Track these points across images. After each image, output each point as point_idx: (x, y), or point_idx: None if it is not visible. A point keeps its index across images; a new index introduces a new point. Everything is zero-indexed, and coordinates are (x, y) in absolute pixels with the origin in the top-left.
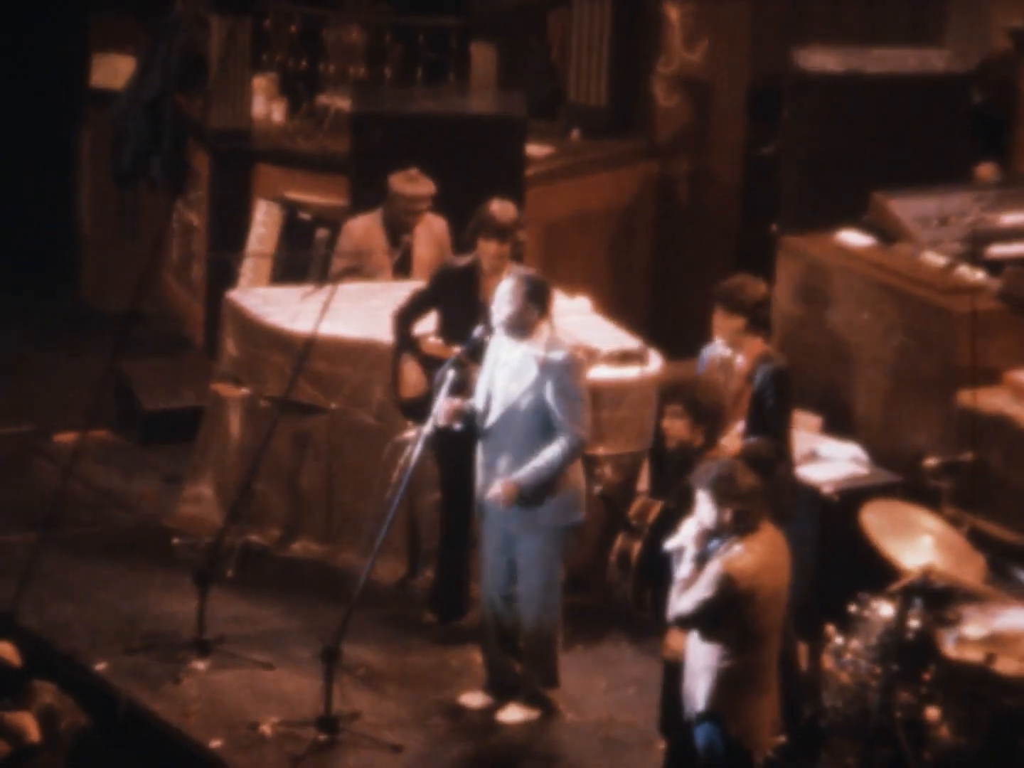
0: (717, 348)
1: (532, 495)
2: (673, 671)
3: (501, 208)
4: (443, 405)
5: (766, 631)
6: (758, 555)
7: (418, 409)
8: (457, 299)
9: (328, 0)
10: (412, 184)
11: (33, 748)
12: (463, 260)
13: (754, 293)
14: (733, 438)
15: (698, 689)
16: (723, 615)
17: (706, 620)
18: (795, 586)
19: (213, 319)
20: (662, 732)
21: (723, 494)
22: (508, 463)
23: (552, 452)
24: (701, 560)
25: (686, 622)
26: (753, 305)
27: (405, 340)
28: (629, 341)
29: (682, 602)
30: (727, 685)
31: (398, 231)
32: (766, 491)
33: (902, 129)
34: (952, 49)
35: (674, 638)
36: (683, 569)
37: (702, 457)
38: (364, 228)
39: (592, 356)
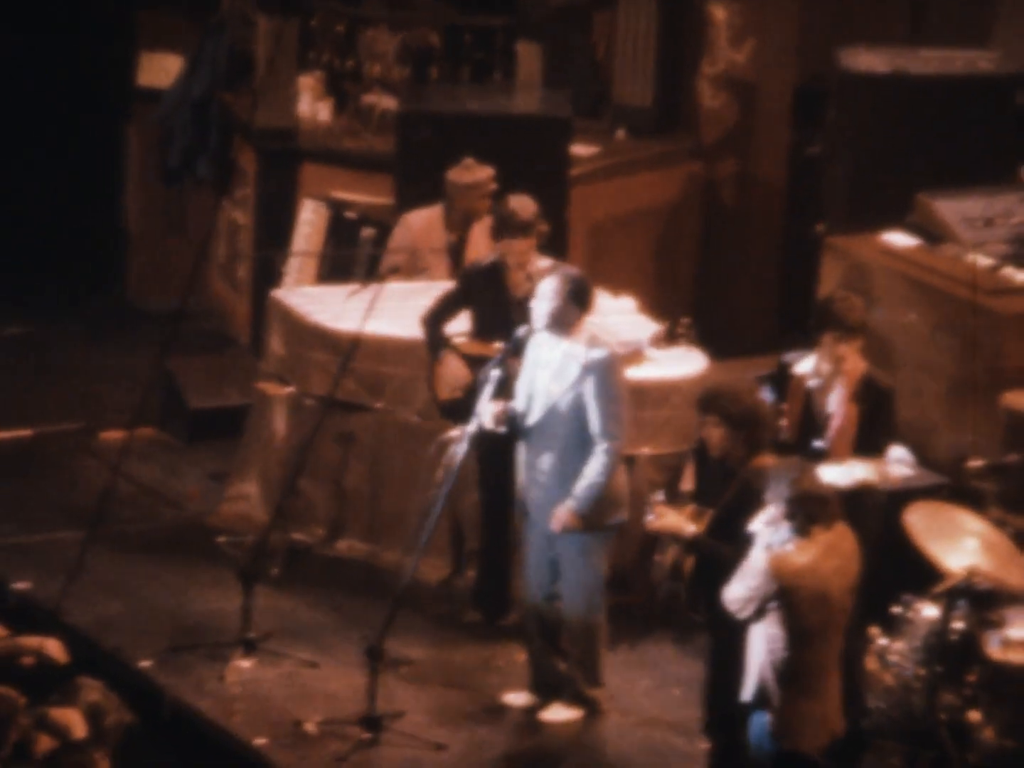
0: (807, 363)
1: (590, 512)
2: (721, 669)
3: (520, 204)
4: (489, 407)
5: (812, 633)
6: (806, 556)
7: (457, 409)
8: (487, 298)
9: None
10: (470, 173)
11: (79, 744)
12: (487, 258)
13: (863, 309)
14: (857, 464)
15: (750, 676)
16: (763, 606)
17: (751, 604)
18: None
19: (259, 318)
20: (706, 732)
21: (778, 495)
22: (551, 463)
23: (595, 467)
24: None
25: (733, 603)
26: (865, 322)
27: (438, 341)
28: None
29: (733, 588)
30: (774, 675)
31: (459, 225)
32: (829, 500)
33: (948, 130)
34: (998, 50)
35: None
36: (753, 555)
37: (744, 466)
38: (423, 222)
39: (637, 353)
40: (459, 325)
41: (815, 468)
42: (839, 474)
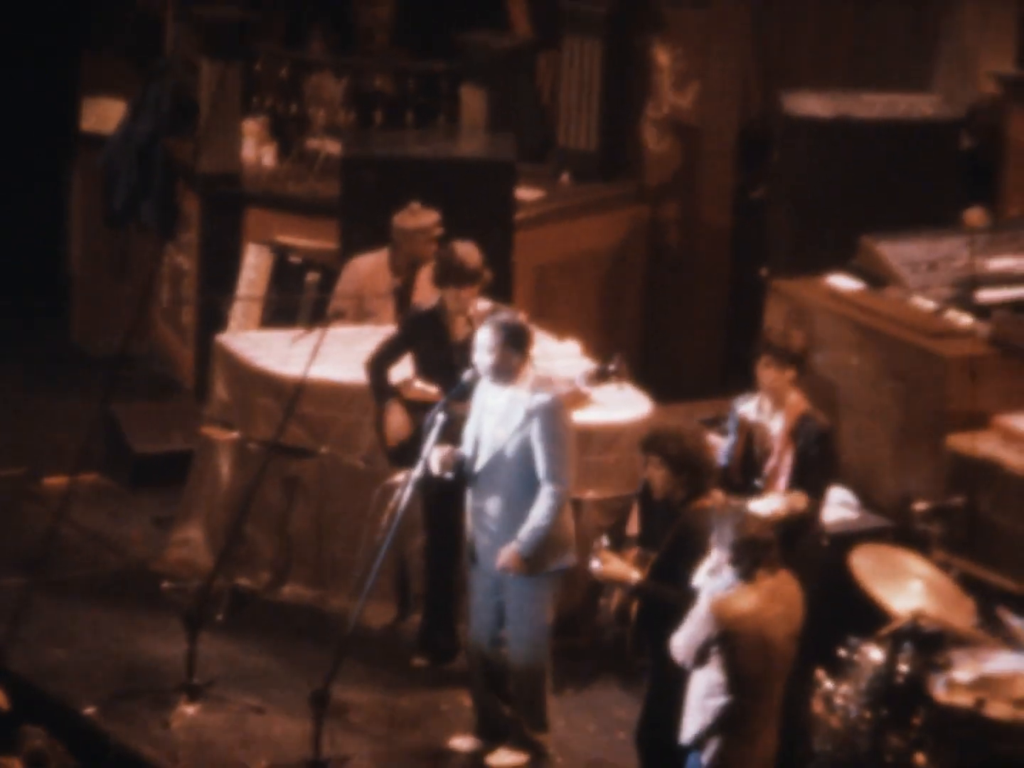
0: (750, 406)
1: (534, 554)
2: (652, 708)
3: (466, 252)
4: (435, 453)
5: (751, 679)
6: (748, 601)
7: (405, 455)
8: (429, 342)
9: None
10: (415, 218)
11: None
12: (428, 303)
13: (801, 341)
14: (775, 496)
15: (690, 719)
16: (705, 651)
17: (692, 654)
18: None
19: (203, 362)
20: (637, 745)
21: (722, 540)
22: (498, 508)
23: (541, 510)
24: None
25: (678, 652)
26: (802, 354)
27: (383, 387)
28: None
29: (677, 637)
30: (712, 722)
31: (405, 270)
32: (773, 544)
33: (891, 174)
34: (940, 94)
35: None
36: (695, 608)
37: (685, 508)
38: (370, 266)
39: (580, 396)
40: (402, 369)
41: (756, 514)
42: (759, 506)
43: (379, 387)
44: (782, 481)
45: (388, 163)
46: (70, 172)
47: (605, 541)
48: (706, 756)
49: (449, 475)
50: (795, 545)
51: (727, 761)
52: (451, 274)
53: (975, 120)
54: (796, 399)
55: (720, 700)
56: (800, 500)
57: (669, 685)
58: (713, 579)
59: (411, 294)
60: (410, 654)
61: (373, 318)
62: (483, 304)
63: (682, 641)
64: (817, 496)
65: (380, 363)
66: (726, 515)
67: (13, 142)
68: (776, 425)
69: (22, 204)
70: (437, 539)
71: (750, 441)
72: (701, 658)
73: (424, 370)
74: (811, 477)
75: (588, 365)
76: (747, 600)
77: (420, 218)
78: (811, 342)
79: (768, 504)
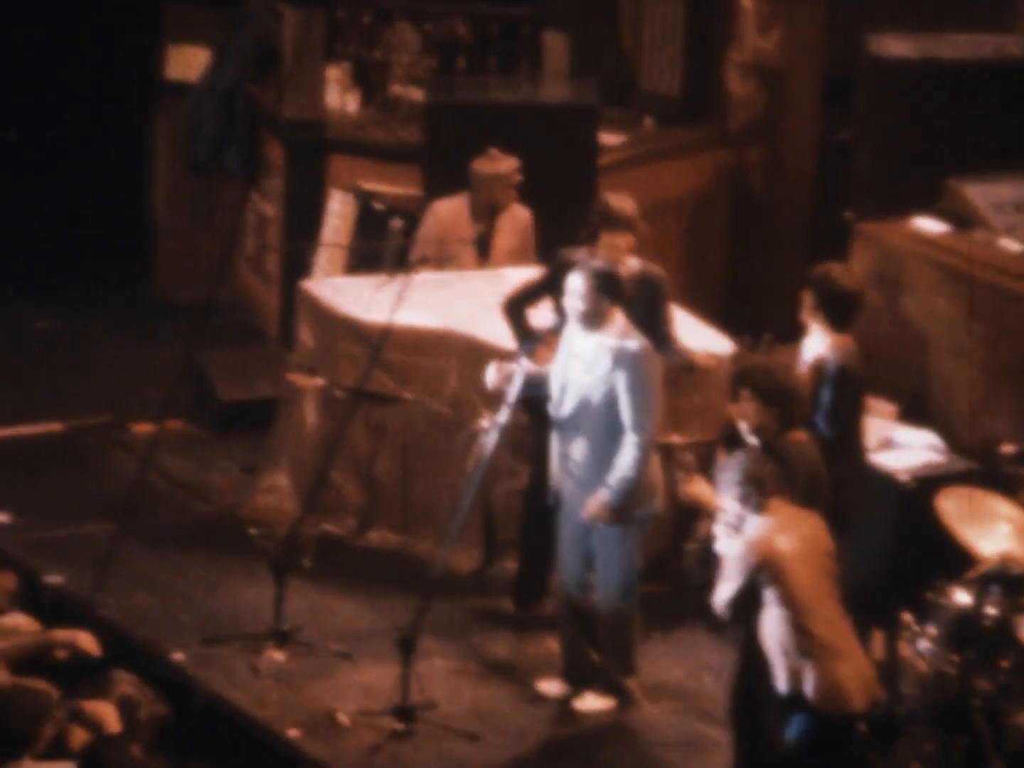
0: (814, 338)
1: (622, 504)
2: (746, 657)
3: (621, 200)
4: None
5: (809, 597)
6: (771, 526)
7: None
8: None
9: None
10: (493, 163)
11: (113, 738)
12: (578, 255)
13: (848, 283)
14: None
15: (776, 665)
16: (756, 593)
17: (740, 598)
18: (871, 573)
19: (288, 309)
20: (730, 718)
21: (729, 481)
22: (583, 454)
23: (627, 460)
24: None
25: (728, 606)
26: (849, 298)
27: (520, 329)
28: (706, 334)
29: (718, 594)
30: (795, 660)
31: (484, 216)
32: (782, 476)
33: (977, 115)
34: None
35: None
36: (725, 563)
37: (778, 441)
38: (451, 210)
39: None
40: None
41: (756, 449)
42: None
43: (517, 329)
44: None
45: (470, 109)
46: (154, 121)
47: (692, 457)
48: (808, 687)
49: (507, 388)
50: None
51: (828, 681)
52: (607, 220)
53: None
54: (844, 337)
55: (795, 629)
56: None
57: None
58: (735, 534)
59: (492, 240)
60: (498, 599)
61: (455, 263)
62: (634, 262)
63: (726, 593)
64: (833, 432)
65: (518, 305)
66: (728, 463)
67: (99, 91)
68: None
69: (107, 153)
70: (538, 480)
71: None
72: (754, 602)
73: (562, 318)
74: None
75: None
76: (775, 528)
77: (498, 164)
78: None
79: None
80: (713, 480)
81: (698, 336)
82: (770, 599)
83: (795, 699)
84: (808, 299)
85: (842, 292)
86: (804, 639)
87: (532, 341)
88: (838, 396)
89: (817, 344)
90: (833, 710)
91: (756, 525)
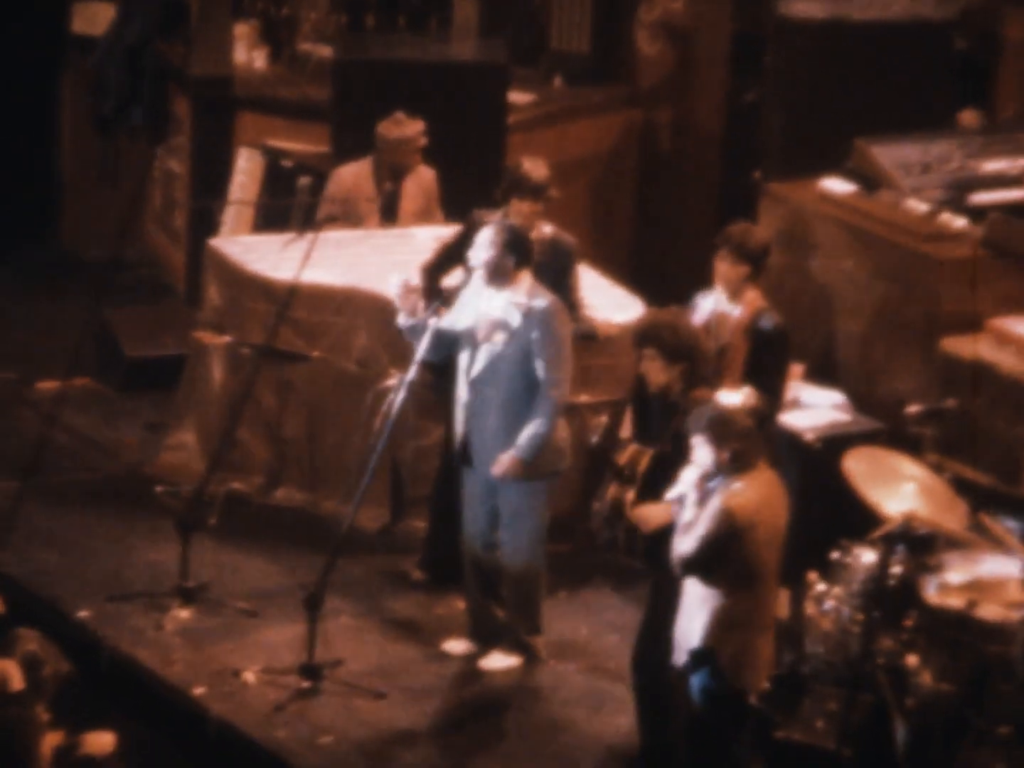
0: (712, 297)
1: (533, 460)
2: (658, 612)
3: (533, 166)
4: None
5: (764, 569)
6: (757, 491)
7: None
8: None
9: None
10: (399, 127)
11: (16, 695)
12: (492, 215)
13: (761, 240)
14: (731, 392)
15: (693, 629)
16: (724, 551)
17: (709, 556)
18: None
19: (195, 267)
20: (634, 669)
21: (720, 435)
22: (494, 411)
23: (541, 416)
24: (701, 502)
25: (690, 562)
26: (760, 253)
27: (435, 293)
28: (615, 294)
29: (684, 543)
30: (724, 623)
31: (389, 178)
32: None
33: (885, 75)
34: None
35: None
36: (686, 514)
37: (685, 398)
38: (353, 175)
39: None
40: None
41: (736, 404)
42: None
43: (431, 293)
44: (736, 376)
45: (379, 67)
46: (60, 75)
47: (604, 419)
48: (725, 654)
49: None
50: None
51: (748, 655)
52: (515, 186)
53: (969, 21)
54: (753, 295)
55: (735, 595)
56: (752, 395)
57: (668, 589)
58: (705, 483)
59: (398, 202)
60: (405, 557)
61: (362, 222)
62: (547, 228)
63: (693, 545)
64: (772, 393)
65: (434, 270)
66: (704, 413)
67: (4, 46)
68: (732, 320)
69: (12, 109)
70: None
71: (707, 333)
72: (719, 560)
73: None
74: (766, 374)
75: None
76: (758, 491)
77: (404, 128)
78: (770, 243)
79: (725, 399)
80: (616, 447)
81: (608, 296)
82: (728, 561)
83: (704, 655)
84: (728, 256)
85: (766, 246)
86: (740, 607)
87: (438, 300)
88: (782, 356)
89: (720, 303)
90: (737, 682)
91: (736, 488)
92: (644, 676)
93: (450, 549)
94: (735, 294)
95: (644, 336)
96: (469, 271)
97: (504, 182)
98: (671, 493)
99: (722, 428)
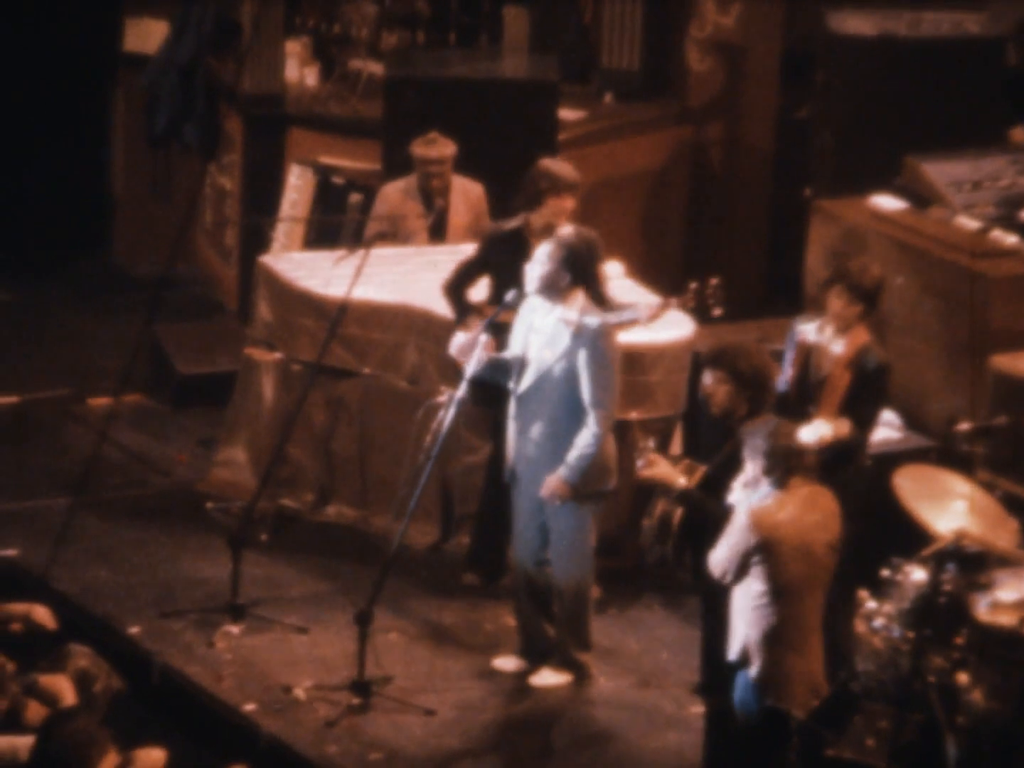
0: (814, 325)
1: (580, 481)
2: (713, 631)
3: (562, 165)
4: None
5: (794, 586)
6: (785, 508)
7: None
8: (507, 263)
9: None
10: (429, 147)
11: (69, 711)
12: (510, 223)
13: (877, 278)
14: (823, 422)
15: (735, 635)
16: (746, 562)
17: (733, 565)
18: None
19: (246, 283)
20: (701, 693)
21: (755, 451)
22: (541, 429)
23: (586, 437)
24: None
25: (716, 567)
26: (875, 291)
27: (462, 309)
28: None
29: (716, 550)
30: (758, 631)
31: (429, 195)
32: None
33: (936, 92)
34: (990, 11)
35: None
36: (731, 521)
37: (745, 424)
38: (399, 192)
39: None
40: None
41: (788, 423)
42: (806, 433)
43: (458, 309)
44: (834, 408)
45: (430, 84)
46: (113, 93)
47: (652, 443)
48: (755, 669)
49: (473, 367)
50: (838, 474)
51: (777, 672)
52: (552, 185)
53: (1021, 38)
54: (860, 330)
55: (764, 610)
56: (844, 426)
57: (718, 604)
58: (748, 493)
59: (446, 218)
60: (455, 574)
61: (410, 240)
62: (567, 227)
63: (722, 554)
64: (864, 426)
65: (457, 287)
66: (758, 428)
67: (57, 64)
68: (836, 350)
69: (66, 126)
70: (498, 455)
71: (807, 363)
72: (742, 570)
73: (499, 291)
74: (863, 408)
75: (645, 295)
76: (785, 507)
77: (433, 148)
78: (884, 280)
79: (816, 429)
80: (670, 458)
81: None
82: (755, 573)
83: (736, 667)
84: (843, 294)
85: (881, 284)
86: (771, 623)
87: (466, 313)
88: (882, 393)
89: (824, 334)
90: (770, 701)
91: (766, 498)
92: (714, 699)
93: (496, 551)
94: (844, 328)
95: (718, 359)
96: (499, 286)
97: (536, 183)
98: (731, 496)
99: (762, 443)
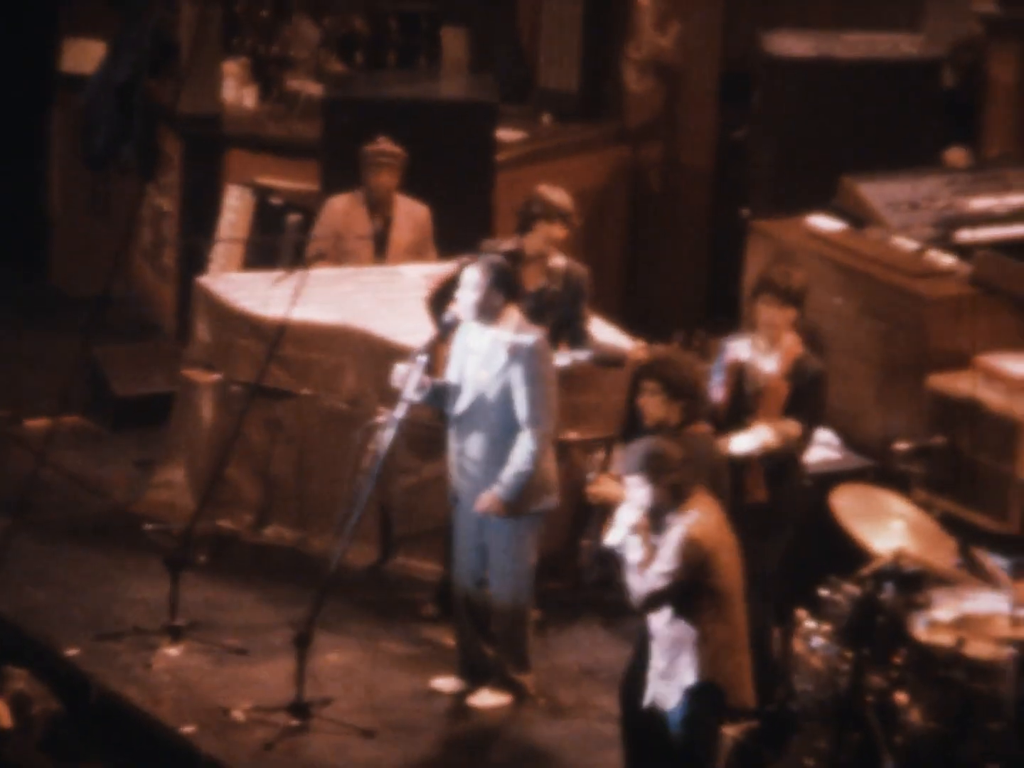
0: (745, 342)
1: (516, 498)
2: (644, 646)
3: (558, 193)
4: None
5: (734, 589)
6: (711, 515)
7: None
8: None
9: None
10: (377, 144)
11: (5, 734)
12: (504, 245)
13: (803, 281)
14: (764, 427)
15: (681, 665)
16: (694, 581)
17: (678, 590)
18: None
19: (184, 304)
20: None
21: (657, 470)
22: (480, 449)
23: (522, 455)
24: (648, 539)
25: (657, 597)
26: (803, 294)
27: (444, 324)
28: (606, 331)
29: (647, 581)
30: (716, 651)
31: (376, 207)
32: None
33: (872, 113)
34: (927, 34)
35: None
36: (634, 554)
37: (681, 434)
38: (345, 204)
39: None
40: None
41: (661, 439)
42: (744, 441)
43: (440, 324)
44: (774, 419)
45: (368, 104)
46: (50, 114)
47: (600, 459)
48: (724, 685)
49: (418, 397)
50: (781, 486)
51: (739, 678)
52: (544, 211)
53: (957, 59)
54: (792, 341)
55: (713, 626)
56: (793, 426)
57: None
58: (635, 536)
59: (389, 236)
60: (394, 594)
61: (352, 259)
62: (559, 259)
63: (659, 582)
64: (811, 429)
65: (439, 299)
66: (634, 452)
67: None
68: (770, 365)
69: (2, 146)
70: None
71: (740, 380)
72: (691, 590)
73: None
74: (806, 414)
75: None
76: (711, 516)
77: (384, 144)
78: (808, 283)
79: (757, 435)
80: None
81: (600, 335)
82: (700, 590)
83: (705, 688)
84: (773, 301)
85: (806, 286)
86: (722, 632)
87: (449, 329)
88: (822, 400)
89: (756, 348)
90: (737, 703)
91: (693, 516)
92: (634, 712)
93: None
94: (775, 339)
95: (648, 370)
96: (457, 308)
97: (531, 208)
98: (610, 538)
99: (657, 464)
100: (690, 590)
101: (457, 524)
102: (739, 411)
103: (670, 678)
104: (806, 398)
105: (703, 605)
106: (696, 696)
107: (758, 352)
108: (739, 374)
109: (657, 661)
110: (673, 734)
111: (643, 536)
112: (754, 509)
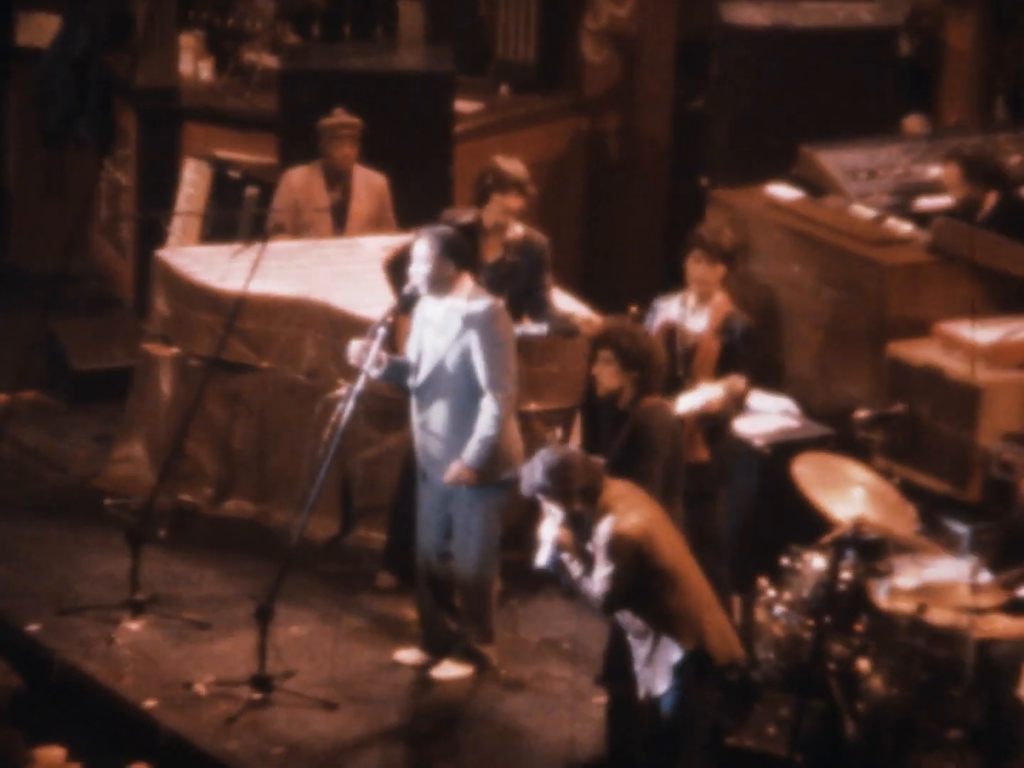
0: (675, 301)
1: (484, 465)
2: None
3: (513, 163)
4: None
5: (682, 558)
6: (628, 505)
7: None
8: None
9: None
10: (334, 116)
11: None
12: (466, 216)
13: (735, 239)
14: (708, 386)
15: (662, 646)
16: (638, 571)
17: (625, 588)
18: (729, 538)
19: (143, 278)
20: (603, 684)
21: (560, 483)
22: (442, 419)
23: (486, 419)
24: (578, 548)
25: (613, 599)
26: (735, 252)
27: (403, 297)
28: (564, 300)
29: (596, 587)
30: (688, 619)
31: (334, 179)
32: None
33: (830, 82)
34: (884, 2)
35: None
36: (572, 569)
37: (635, 407)
38: (303, 177)
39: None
40: None
41: (556, 451)
42: (691, 399)
43: (398, 289)
44: (709, 376)
45: (325, 77)
46: (5, 88)
47: (559, 434)
48: (710, 646)
49: (376, 372)
50: (718, 444)
51: (727, 633)
52: (498, 182)
53: (914, 27)
54: (722, 299)
55: (671, 603)
56: (738, 381)
57: None
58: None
59: (348, 207)
60: (356, 567)
61: (310, 231)
62: (519, 228)
63: (605, 586)
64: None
65: (397, 266)
66: (532, 474)
67: None
68: (700, 323)
69: None
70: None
71: (672, 339)
72: (637, 585)
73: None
74: (741, 370)
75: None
76: (629, 504)
77: (342, 115)
78: (743, 242)
79: (702, 394)
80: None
81: (559, 304)
82: (648, 575)
83: (692, 657)
84: (703, 257)
85: (739, 245)
86: (689, 597)
87: (408, 300)
88: (754, 356)
89: (686, 306)
90: (725, 659)
91: (613, 516)
92: (616, 688)
93: (411, 549)
94: (705, 297)
95: (603, 339)
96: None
97: (485, 180)
98: (539, 559)
99: (558, 477)
100: (640, 580)
101: (421, 496)
102: (672, 370)
103: (656, 663)
104: (738, 353)
105: (657, 585)
106: (686, 668)
107: (687, 310)
108: (670, 334)
109: (638, 650)
110: (665, 719)
111: (571, 550)
112: (696, 468)
